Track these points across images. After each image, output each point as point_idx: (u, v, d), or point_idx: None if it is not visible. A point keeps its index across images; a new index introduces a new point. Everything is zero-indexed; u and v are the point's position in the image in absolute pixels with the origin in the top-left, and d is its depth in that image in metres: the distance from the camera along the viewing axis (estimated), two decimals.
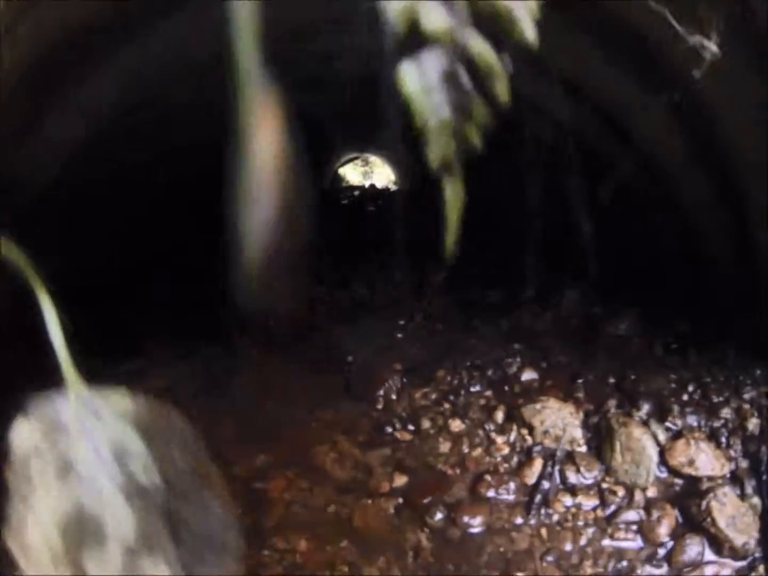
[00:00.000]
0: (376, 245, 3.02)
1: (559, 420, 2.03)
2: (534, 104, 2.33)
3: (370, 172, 8.51)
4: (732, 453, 2.00)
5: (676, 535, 1.76)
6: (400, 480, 1.87)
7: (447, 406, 2.17)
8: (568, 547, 1.76)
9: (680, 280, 2.95)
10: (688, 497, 1.81)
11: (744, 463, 1.98)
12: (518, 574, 1.66)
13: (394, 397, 2.19)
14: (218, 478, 0.71)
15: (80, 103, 1.88)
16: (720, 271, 2.68)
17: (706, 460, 1.93)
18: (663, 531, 1.76)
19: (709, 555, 1.71)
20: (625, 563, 1.72)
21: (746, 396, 2.17)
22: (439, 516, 1.77)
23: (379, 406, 2.14)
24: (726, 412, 2.11)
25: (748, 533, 1.71)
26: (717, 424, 2.09)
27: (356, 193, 6.52)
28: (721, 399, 2.18)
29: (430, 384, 2.24)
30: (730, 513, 1.74)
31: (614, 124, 2.48)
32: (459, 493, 1.86)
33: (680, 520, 1.80)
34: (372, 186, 7.39)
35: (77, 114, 1.91)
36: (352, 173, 8.50)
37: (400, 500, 1.79)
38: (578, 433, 2.03)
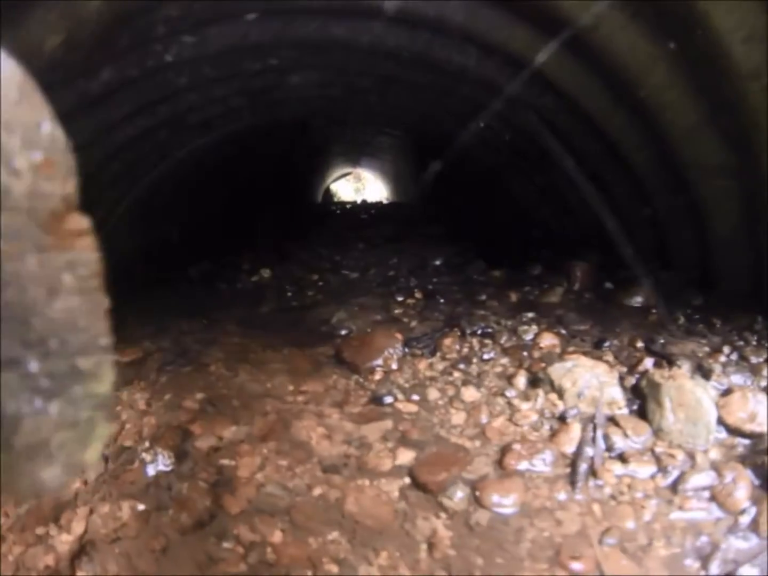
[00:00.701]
0: (369, 242, 2.86)
1: (593, 379, 1.71)
2: None
3: (362, 188, 8.62)
4: None
5: (756, 498, 1.40)
6: (406, 456, 1.45)
7: (457, 374, 1.81)
8: (630, 524, 1.36)
9: (687, 258, 2.85)
10: (757, 455, 1.49)
11: None
12: (574, 563, 1.26)
13: (394, 366, 1.83)
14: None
15: None
16: (730, 249, 2.59)
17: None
18: (741, 495, 1.39)
19: None
20: (704, 539, 1.33)
21: None
22: (459, 496, 1.34)
23: (377, 377, 1.77)
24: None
25: None
26: (764, 382, 1.82)
27: (348, 206, 6.50)
28: (760, 360, 1.93)
29: (435, 354, 1.92)
30: None
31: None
32: (482, 468, 1.44)
33: (756, 481, 1.46)
34: (363, 201, 7.41)
35: None
36: (344, 189, 8.58)
37: (407, 480, 1.36)
38: (617, 394, 1.70)
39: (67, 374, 0.44)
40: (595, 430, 1.56)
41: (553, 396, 1.71)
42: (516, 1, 1.80)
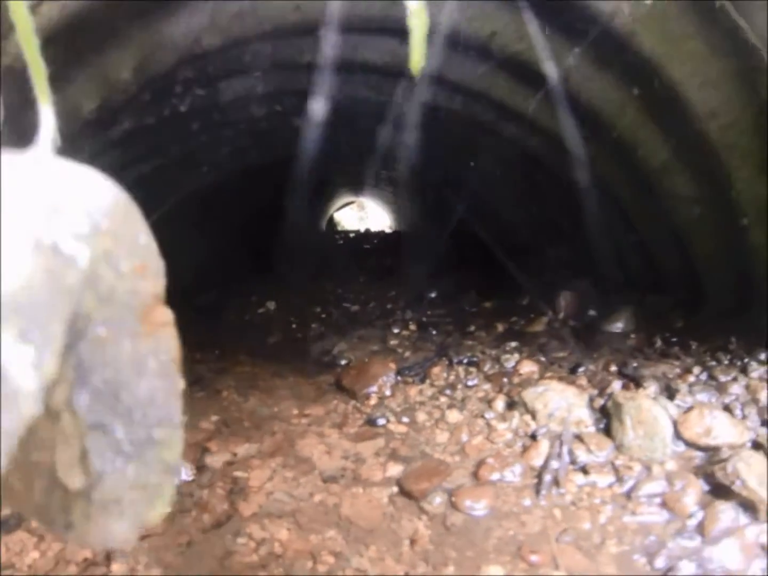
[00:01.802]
0: (370, 272, 3.24)
1: (563, 401, 2.04)
2: None
3: (366, 216, 9.09)
4: (749, 423, 1.98)
5: (705, 503, 1.67)
6: (395, 469, 1.79)
7: (443, 399, 2.16)
8: (586, 526, 1.66)
9: (674, 281, 3.15)
10: (710, 465, 1.76)
11: (763, 431, 1.95)
12: (533, 557, 1.56)
13: (388, 393, 2.20)
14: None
15: None
16: (713, 270, 2.90)
17: (723, 428, 1.90)
18: (690, 501, 1.67)
19: (745, 520, 1.61)
20: (653, 538, 1.61)
21: (754, 374, 2.20)
22: (438, 501, 1.68)
23: (372, 402, 2.13)
24: (736, 389, 2.12)
25: None
26: (728, 399, 2.09)
27: (351, 235, 6.95)
28: (728, 378, 2.21)
29: (425, 381, 2.27)
30: (760, 472, 1.69)
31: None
32: (460, 479, 1.78)
33: (706, 488, 1.73)
34: (367, 230, 7.86)
35: None
36: (347, 218, 9.07)
37: (395, 488, 1.70)
38: (585, 414, 2.02)
39: (144, 442, 0.54)
40: (561, 446, 1.87)
41: (527, 417, 2.03)
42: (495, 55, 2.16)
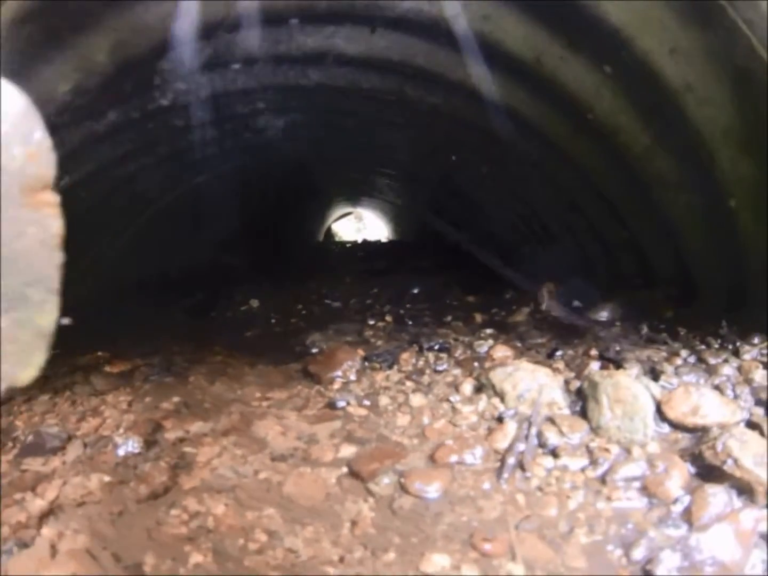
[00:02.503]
0: (358, 275, 3.11)
1: (534, 383, 1.76)
2: None
3: (364, 228, 8.96)
4: (742, 403, 1.64)
5: (693, 487, 1.35)
6: (348, 450, 1.57)
7: (409, 384, 1.92)
8: (553, 512, 1.35)
9: (667, 276, 2.83)
10: (698, 446, 1.44)
11: (759, 411, 1.61)
12: (486, 545, 1.27)
13: (353, 378, 1.97)
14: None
15: None
16: (704, 263, 2.59)
17: (713, 407, 1.57)
18: (674, 484, 1.35)
19: (740, 505, 1.28)
20: (630, 526, 1.29)
21: (747, 356, 1.87)
22: (386, 482, 1.43)
23: (336, 387, 1.91)
24: (727, 370, 1.80)
25: None
26: (719, 380, 1.76)
27: (348, 245, 6.83)
28: (719, 360, 1.88)
29: (392, 367, 2.04)
30: (757, 451, 1.36)
31: None
32: (415, 461, 1.51)
33: (693, 470, 1.40)
34: (364, 240, 7.69)
35: None
36: (345, 228, 8.97)
37: (344, 469, 1.47)
38: (558, 395, 1.73)
39: (19, 298, 0.60)
40: (529, 428, 1.60)
41: (496, 400, 1.77)
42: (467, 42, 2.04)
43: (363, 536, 1.27)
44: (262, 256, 3.80)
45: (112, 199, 2.54)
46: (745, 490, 1.30)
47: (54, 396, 1.95)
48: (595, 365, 1.86)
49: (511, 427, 1.62)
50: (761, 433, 1.49)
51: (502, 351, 2.03)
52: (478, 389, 1.84)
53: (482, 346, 2.08)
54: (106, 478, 1.42)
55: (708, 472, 1.38)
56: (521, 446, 1.55)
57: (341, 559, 1.18)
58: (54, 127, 1.96)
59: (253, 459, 1.53)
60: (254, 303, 3.03)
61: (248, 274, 3.42)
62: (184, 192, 3.01)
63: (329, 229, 8.06)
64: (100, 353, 2.23)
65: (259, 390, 1.96)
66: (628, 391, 1.61)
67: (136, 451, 1.57)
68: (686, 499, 1.33)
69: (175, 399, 1.89)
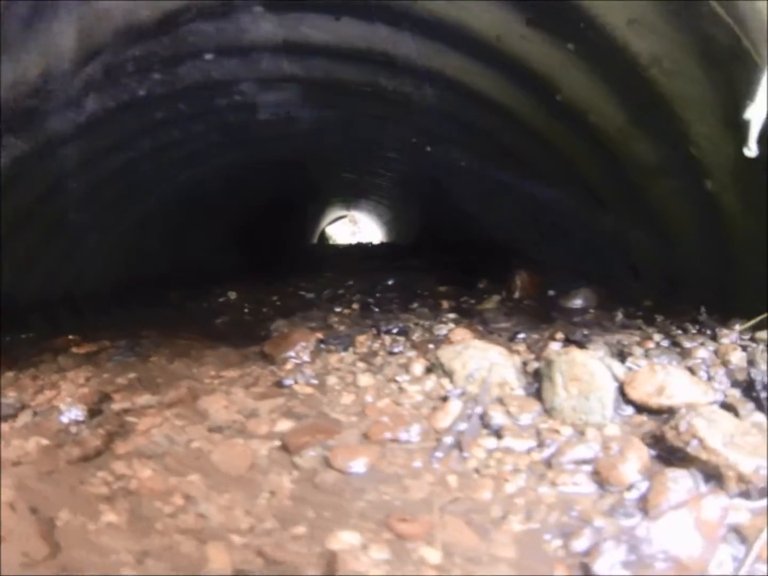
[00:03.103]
0: (338, 271, 2.98)
1: (485, 361, 1.54)
2: None
3: (358, 231, 8.75)
4: (717, 385, 1.37)
5: (652, 472, 1.09)
6: (284, 425, 1.41)
7: (361, 365, 1.74)
8: (486, 496, 1.12)
9: (652, 267, 2.55)
10: (662, 427, 1.18)
11: (736, 392, 1.33)
12: (402, 526, 1.05)
13: (306, 359, 1.80)
14: None
15: None
16: (689, 253, 2.31)
17: (681, 386, 1.32)
18: (630, 468, 1.10)
19: (706, 491, 1.01)
20: (574, 514, 1.05)
21: (725, 340, 1.60)
22: (311, 455, 1.25)
23: (288, 367, 1.75)
24: (702, 353, 1.54)
25: (762, 456, 1.03)
26: (692, 362, 1.49)
27: (341, 247, 6.66)
28: (695, 344, 1.62)
29: (348, 349, 1.87)
30: (727, 431, 1.09)
31: None
32: (348, 438, 1.33)
33: (654, 454, 1.14)
34: (359, 243, 7.48)
35: None
36: (340, 231, 8.76)
37: (277, 442, 1.33)
38: (511, 375, 1.50)
39: None
40: (474, 407, 1.38)
41: (445, 380, 1.56)
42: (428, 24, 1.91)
43: (277, 508, 1.11)
44: (252, 257, 3.74)
45: (98, 193, 2.53)
46: (712, 475, 1.04)
47: (19, 373, 1.89)
48: (555, 346, 1.63)
49: (455, 406, 1.41)
50: (736, 415, 1.22)
51: (461, 334, 1.82)
52: (429, 370, 1.63)
53: (442, 330, 1.88)
54: (44, 442, 1.37)
55: (671, 454, 1.13)
56: (463, 426, 1.33)
57: (250, 528, 1.05)
58: (30, 111, 1.97)
59: (191, 429, 1.42)
60: (232, 295, 2.95)
61: (235, 273, 3.35)
62: (173, 189, 2.98)
63: (323, 232, 7.98)
64: (71, 336, 2.16)
65: (214, 369, 1.84)
66: (584, 369, 1.37)
67: (80, 419, 1.50)
68: (643, 485, 1.08)
69: (131, 375, 1.80)
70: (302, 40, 2.08)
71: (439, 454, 1.24)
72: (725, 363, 1.49)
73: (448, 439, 1.29)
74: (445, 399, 1.47)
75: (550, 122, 2.30)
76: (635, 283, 2.36)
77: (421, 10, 1.91)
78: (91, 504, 1.11)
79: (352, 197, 6.57)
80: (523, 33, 1.93)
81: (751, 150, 1.11)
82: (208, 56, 2.09)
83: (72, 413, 1.51)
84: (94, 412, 1.52)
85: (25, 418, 1.52)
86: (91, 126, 2.12)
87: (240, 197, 3.77)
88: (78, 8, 1.65)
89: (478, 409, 1.38)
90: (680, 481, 1.04)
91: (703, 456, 1.06)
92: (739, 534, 0.95)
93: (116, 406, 1.58)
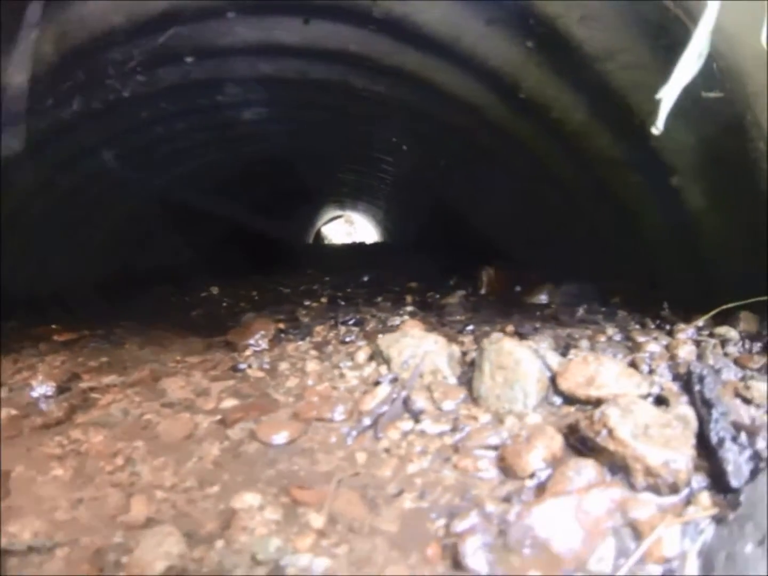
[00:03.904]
0: (321, 269, 3.03)
1: (419, 349, 1.55)
2: None
3: (354, 231, 8.72)
4: (656, 378, 1.32)
5: (559, 462, 1.07)
6: (229, 403, 1.51)
7: (313, 353, 1.79)
8: (387, 474, 1.14)
9: (631, 270, 2.44)
10: (581, 418, 1.15)
11: (674, 386, 1.27)
12: (298, 492, 1.08)
13: (265, 346, 1.88)
14: None
15: None
16: (664, 252, 2.21)
17: (611, 377, 1.29)
18: (535, 456, 1.08)
19: (610, 483, 0.97)
20: (468, 498, 1.04)
21: (681, 336, 1.53)
22: (240, 428, 1.34)
23: (248, 354, 1.84)
24: (653, 347, 1.50)
25: (676, 449, 0.98)
26: (638, 356, 1.44)
27: (335, 246, 6.67)
28: (648, 338, 1.56)
29: (306, 339, 1.93)
30: (641, 422, 1.05)
31: None
32: (279, 415, 1.39)
33: (569, 443, 1.11)
34: (353, 242, 7.45)
35: None
36: (335, 231, 8.76)
37: (218, 417, 1.43)
38: (443, 363, 1.50)
39: None
40: (400, 392, 1.39)
41: (383, 367, 1.59)
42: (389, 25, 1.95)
43: (200, 471, 1.21)
44: (243, 255, 3.85)
45: (86, 190, 2.69)
46: (619, 466, 1.01)
47: (0, 357, 2.06)
48: (496, 336, 1.60)
49: (383, 391, 1.43)
50: (665, 406, 1.17)
51: (412, 325, 1.83)
52: (371, 357, 1.66)
53: (395, 321, 1.90)
54: (14, 412, 1.52)
55: (582, 445, 1.11)
56: (384, 408, 1.35)
57: (172, 486, 1.16)
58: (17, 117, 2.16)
59: (146, 405, 1.55)
60: (214, 290, 3.06)
61: (223, 270, 3.47)
62: (160, 187, 3.14)
63: (319, 232, 8.05)
64: (54, 326, 2.33)
65: (179, 355, 1.95)
66: (511, 357, 1.36)
67: (49, 393, 1.65)
68: (545, 474, 1.07)
69: (103, 359, 1.94)
70: (274, 41, 2.16)
71: (354, 432, 1.27)
72: (673, 357, 1.44)
73: (367, 420, 1.31)
74: (377, 384, 1.49)
75: (517, 120, 2.28)
76: (608, 281, 2.28)
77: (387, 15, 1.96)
78: (43, 462, 1.26)
79: (346, 197, 6.62)
80: (483, 33, 1.94)
81: (658, 129, 1.08)
82: (189, 59, 2.20)
83: (42, 389, 1.66)
84: (62, 389, 1.67)
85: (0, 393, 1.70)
86: (76, 124, 2.27)
87: (229, 196, 3.91)
88: (53, 13, 1.79)
89: (403, 394, 1.39)
90: (582, 472, 1.02)
91: (611, 446, 1.03)
92: (635, 530, 0.92)
93: (84, 385, 1.73)
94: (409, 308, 2.04)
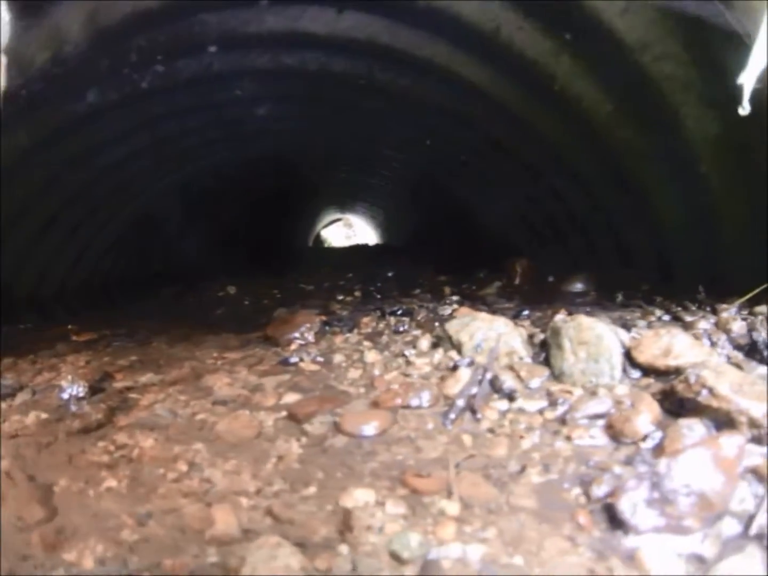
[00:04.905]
0: (335, 267, 2.96)
1: (492, 332, 1.52)
2: None
3: (353, 234, 8.72)
4: (720, 349, 1.39)
5: (665, 424, 1.08)
6: (291, 397, 1.39)
7: (367, 344, 1.72)
8: (501, 452, 1.09)
9: (645, 258, 2.58)
10: (671, 383, 1.17)
11: (738, 354, 1.34)
12: (417, 480, 1.01)
13: (311, 339, 1.78)
14: None
15: None
16: (680, 241, 2.35)
17: (686, 348, 1.32)
18: (644, 420, 1.09)
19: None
20: (592, 464, 1.02)
21: (725, 314, 1.62)
22: (320, 421, 1.22)
23: (293, 347, 1.73)
24: (703, 325, 1.56)
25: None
26: (695, 331, 1.50)
27: (335, 248, 6.62)
28: (696, 318, 1.64)
29: (353, 331, 1.84)
30: (734, 380, 1.09)
31: None
32: (358, 406, 1.30)
33: (666, 407, 1.13)
34: (353, 244, 7.41)
35: None
36: (335, 234, 8.72)
37: (283, 413, 1.30)
38: (518, 344, 1.49)
39: None
40: (484, 373, 1.36)
41: (453, 352, 1.55)
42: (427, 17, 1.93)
43: (285, 471, 1.07)
44: (248, 256, 3.70)
45: (94, 188, 2.51)
46: (724, 422, 1.04)
47: (17, 359, 1.84)
48: (559, 317, 1.62)
49: (464, 374, 1.38)
50: (740, 370, 1.22)
51: (466, 312, 1.81)
52: (435, 344, 1.62)
53: (446, 309, 1.88)
54: (44, 416, 1.34)
55: (681, 407, 1.12)
56: (473, 390, 1.31)
57: (258, 491, 1.01)
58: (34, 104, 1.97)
59: (194, 403, 1.39)
60: (231, 289, 2.90)
61: (231, 271, 3.31)
62: (168, 187, 2.97)
63: (318, 235, 7.97)
64: (70, 326, 2.11)
65: (216, 351, 1.81)
66: (592, 332, 1.37)
67: (81, 395, 1.47)
68: (657, 435, 1.07)
69: (133, 358, 1.77)
70: (302, 31, 2.11)
71: (452, 415, 1.22)
72: (727, 331, 1.51)
73: (460, 402, 1.26)
74: (454, 368, 1.44)
75: (542, 111, 2.34)
76: (629, 271, 2.39)
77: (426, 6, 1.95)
78: (91, 471, 1.08)
79: (346, 199, 6.58)
80: (520, 25, 1.98)
81: (745, 109, 1.16)
82: (212, 48, 2.11)
83: (73, 389, 1.48)
84: (95, 390, 1.50)
85: (23, 396, 1.50)
86: (91, 117, 2.12)
87: (233, 196, 3.76)
88: None
89: (488, 374, 1.36)
90: (694, 428, 1.03)
91: (714, 403, 1.05)
92: (757, 474, 0.94)
93: (118, 384, 1.55)
94: (455, 298, 2.02)
